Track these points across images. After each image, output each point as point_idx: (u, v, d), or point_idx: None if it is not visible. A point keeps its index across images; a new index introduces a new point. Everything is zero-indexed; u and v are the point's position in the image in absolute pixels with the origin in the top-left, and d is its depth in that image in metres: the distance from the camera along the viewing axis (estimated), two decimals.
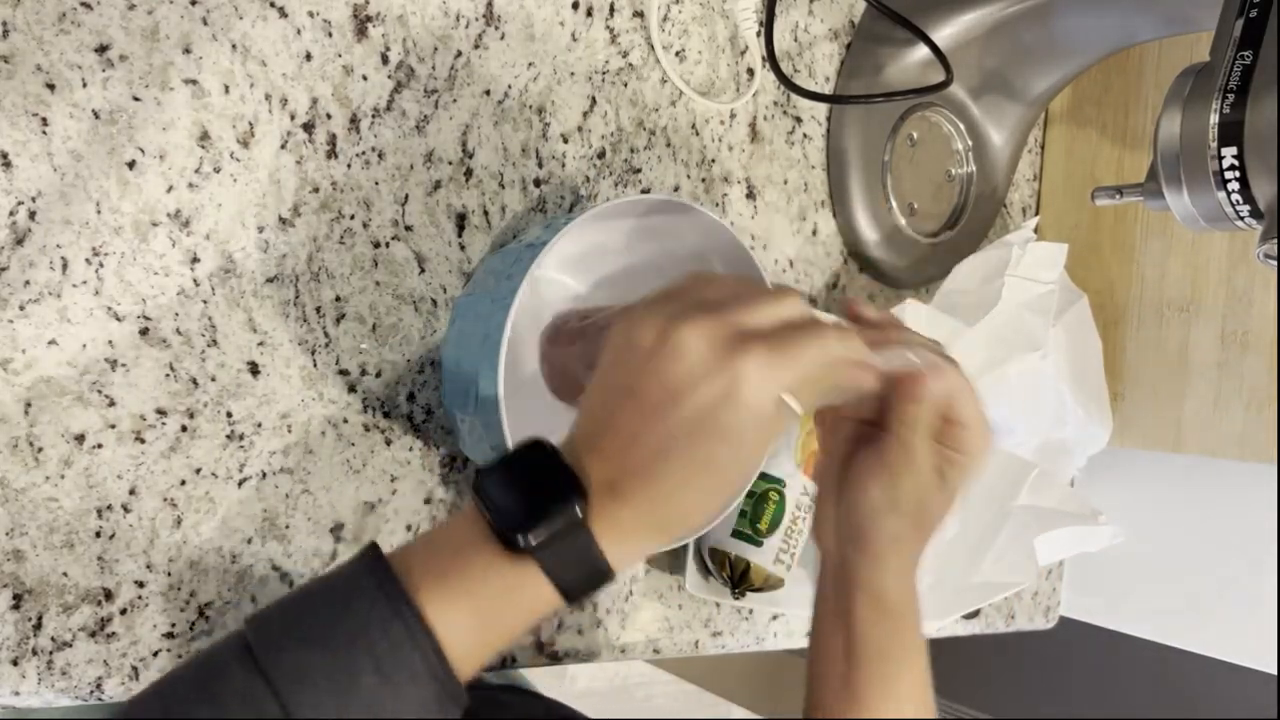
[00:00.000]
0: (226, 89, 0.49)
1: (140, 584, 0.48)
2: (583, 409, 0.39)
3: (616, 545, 0.37)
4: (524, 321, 0.57)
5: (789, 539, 0.66)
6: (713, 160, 0.68)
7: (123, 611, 0.47)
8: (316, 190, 0.52)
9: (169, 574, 0.48)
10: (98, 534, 0.46)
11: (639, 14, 0.63)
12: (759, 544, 0.65)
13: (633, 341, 0.38)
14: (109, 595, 0.47)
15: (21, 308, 0.44)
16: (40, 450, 0.45)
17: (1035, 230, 0.93)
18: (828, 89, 0.74)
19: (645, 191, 0.65)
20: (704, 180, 0.67)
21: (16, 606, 0.45)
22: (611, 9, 0.62)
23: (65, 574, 0.46)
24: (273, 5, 0.50)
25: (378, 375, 0.54)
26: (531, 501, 0.36)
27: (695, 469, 0.37)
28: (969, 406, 0.44)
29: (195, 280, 0.48)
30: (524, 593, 0.36)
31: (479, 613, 0.36)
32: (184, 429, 0.48)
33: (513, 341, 0.49)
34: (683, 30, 0.65)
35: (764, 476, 0.66)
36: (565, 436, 0.39)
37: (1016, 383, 0.77)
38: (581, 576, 0.37)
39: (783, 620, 0.75)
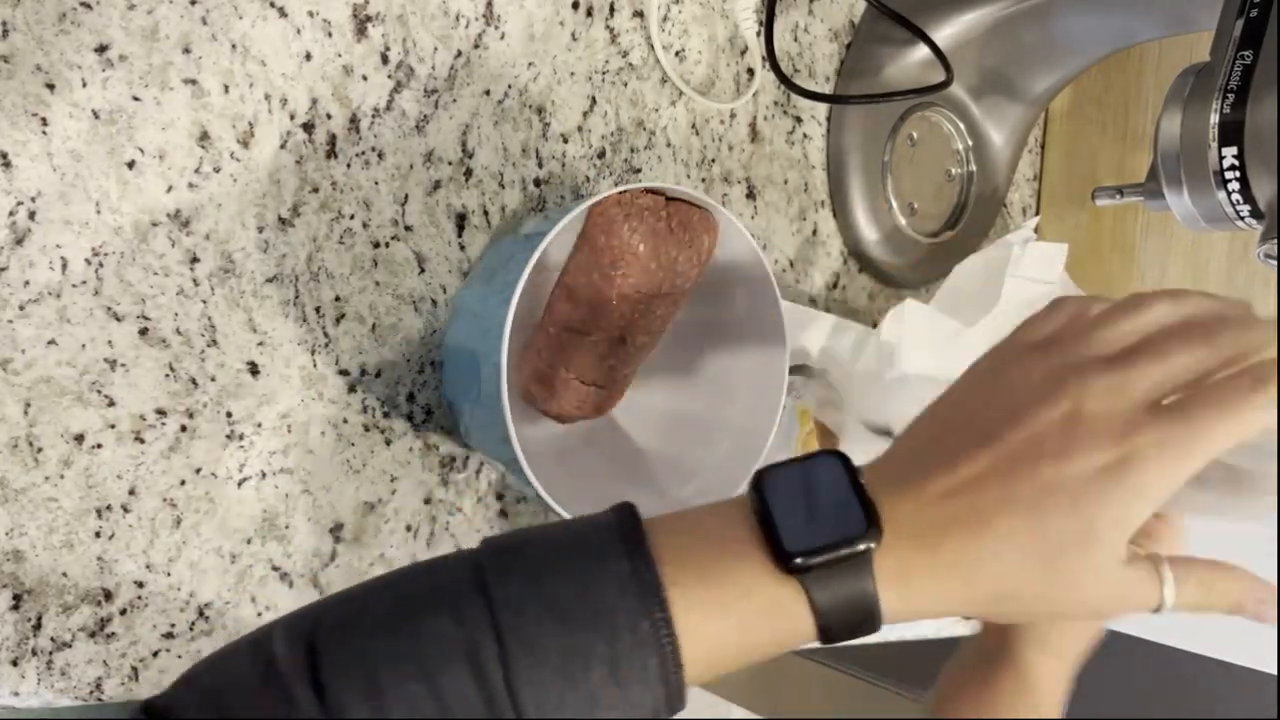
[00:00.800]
0: (226, 89, 0.49)
1: (140, 584, 0.48)
2: (908, 439, 0.35)
3: (898, 593, 0.32)
4: (525, 313, 0.57)
5: None
6: (713, 160, 0.68)
7: (122, 612, 0.47)
8: (316, 190, 0.52)
9: (169, 574, 0.48)
10: (97, 534, 0.46)
11: (639, 14, 0.63)
12: None
13: (1012, 385, 0.33)
14: (109, 595, 0.47)
15: (21, 308, 0.44)
16: (40, 450, 0.45)
17: (1035, 230, 0.93)
18: (828, 89, 0.74)
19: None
20: (704, 180, 0.67)
21: (16, 607, 0.45)
22: (611, 9, 0.62)
23: (65, 574, 0.46)
24: (272, 5, 0.50)
25: (378, 375, 0.54)
26: (820, 520, 0.32)
27: (1035, 541, 0.31)
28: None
29: (195, 280, 0.48)
30: (781, 617, 0.32)
31: (728, 627, 0.32)
32: (184, 429, 0.48)
33: (514, 333, 0.49)
34: (683, 30, 0.65)
35: None
36: (879, 459, 0.35)
37: None
38: (847, 616, 0.32)
39: None
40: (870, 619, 0.32)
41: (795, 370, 0.69)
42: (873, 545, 0.31)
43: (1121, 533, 0.31)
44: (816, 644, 0.33)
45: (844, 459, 0.34)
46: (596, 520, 0.34)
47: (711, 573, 0.32)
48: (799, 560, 0.31)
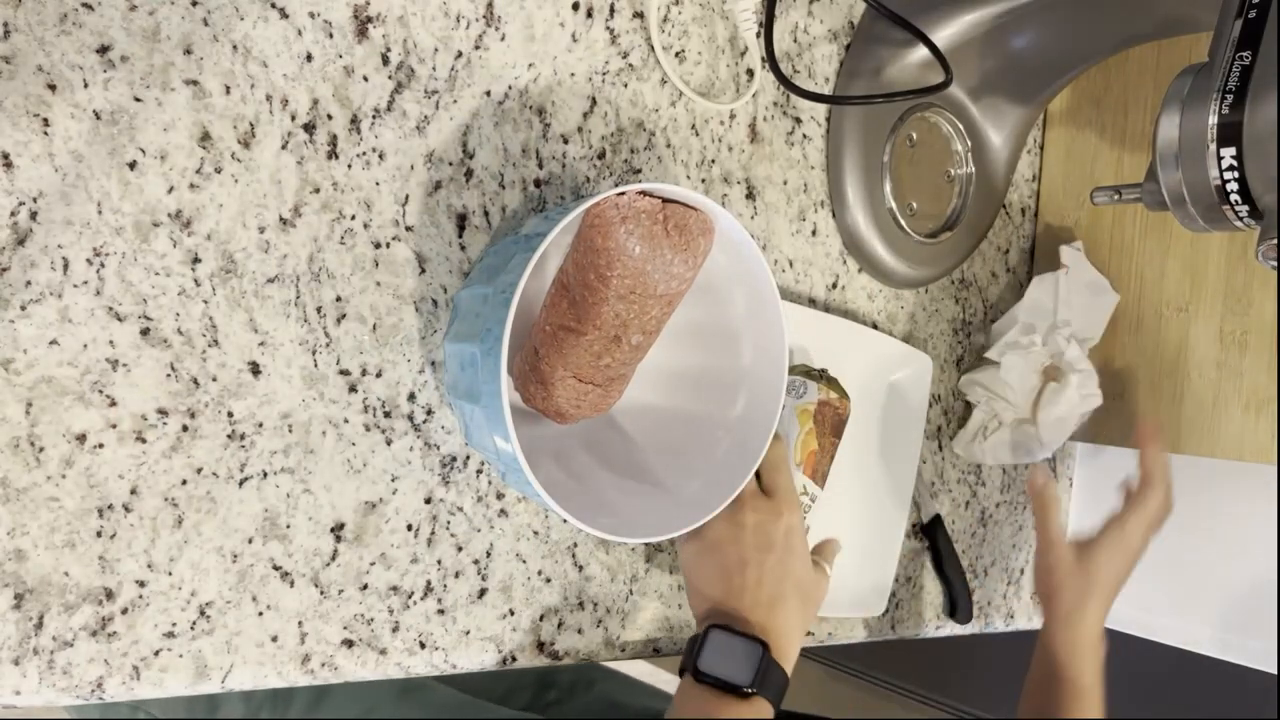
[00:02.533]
0: (227, 89, 0.49)
1: (141, 583, 0.48)
2: (712, 593, 0.59)
3: (785, 656, 0.58)
4: (525, 313, 0.57)
5: None
6: (713, 161, 0.68)
7: (124, 611, 0.47)
8: (317, 190, 0.52)
9: (170, 574, 0.49)
10: (99, 533, 0.47)
11: (639, 15, 0.63)
12: None
13: (717, 538, 0.60)
14: (110, 595, 0.47)
15: (23, 308, 0.44)
16: (41, 450, 0.45)
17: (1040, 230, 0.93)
18: (827, 90, 0.74)
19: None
20: (704, 181, 0.68)
21: (18, 606, 0.45)
22: (611, 10, 0.62)
23: (66, 573, 0.46)
24: (274, 6, 0.50)
25: (378, 375, 0.55)
26: (746, 665, 0.55)
27: (798, 579, 0.61)
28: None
29: (196, 280, 0.49)
30: (753, 713, 0.55)
31: None
32: (185, 429, 0.49)
33: (514, 333, 0.49)
34: (682, 31, 0.65)
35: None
36: (710, 617, 0.59)
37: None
38: (781, 688, 0.56)
39: None
40: (787, 679, 0.58)
41: (794, 370, 0.70)
42: (768, 652, 0.56)
43: (808, 554, 0.63)
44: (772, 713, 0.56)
45: (717, 626, 0.57)
46: None
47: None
48: (751, 689, 0.55)
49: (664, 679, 1.79)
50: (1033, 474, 0.80)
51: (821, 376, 0.70)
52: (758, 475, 0.63)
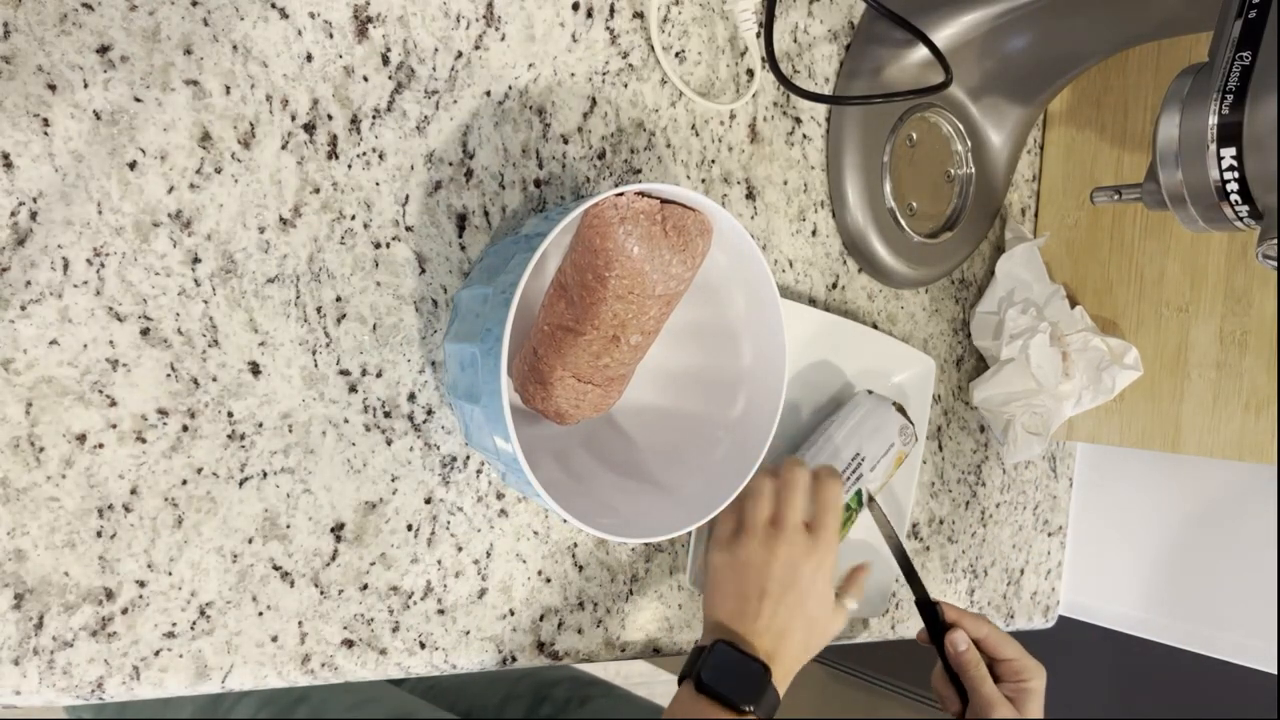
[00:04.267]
0: (227, 90, 0.49)
1: (141, 583, 0.48)
2: (724, 610, 0.61)
3: (782, 683, 0.60)
4: (525, 313, 0.57)
5: None
6: (713, 161, 0.68)
7: (124, 611, 0.47)
8: (317, 191, 0.52)
9: (170, 574, 0.49)
10: (99, 533, 0.47)
11: (639, 15, 0.63)
12: None
13: (749, 561, 0.61)
14: (110, 595, 0.47)
15: (23, 308, 0.44)
16: (41, 450, 0.45)
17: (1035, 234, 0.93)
18: (827, 90, 0.74)
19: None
20: (704, 181, 0.68)
21: (18, 606, 0.45)
22: (611, 10, 0.62)
23: (66, 573, 0.46)
24: (274, 6, 0.50)
25: (378, 375, 0.55)
26: (746, 684, 0.58)
27: (812, 617, 0.62)
28: (1002, 645, 0.72)
29: (196, 280, 0.49)
30: None
31: None
32: (185, 429, 0.49)
33: (514, 333, 0.49)
34: (682, 31, 0.65)
35: None
36: (716, 631, 0.61)
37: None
38: (773, 708, 0.58)
39: None
40: (779, 703, 0.59)
41: (901, 410, 0.74)
42: (769, 674, 0.59)
43: (830, 594, 0.63)
44: None
45: (723, 641, 0.59)
46: None
47: None
48: (750, 708, 0.57)
49: (659, 692, 1.79)
50: (951, 643, 0.71)
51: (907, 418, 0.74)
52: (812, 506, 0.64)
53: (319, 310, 0.52)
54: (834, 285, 0.77)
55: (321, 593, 0.53)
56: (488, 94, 0.57)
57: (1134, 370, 0.84)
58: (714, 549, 0.63)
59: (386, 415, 0.55)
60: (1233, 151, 0.53)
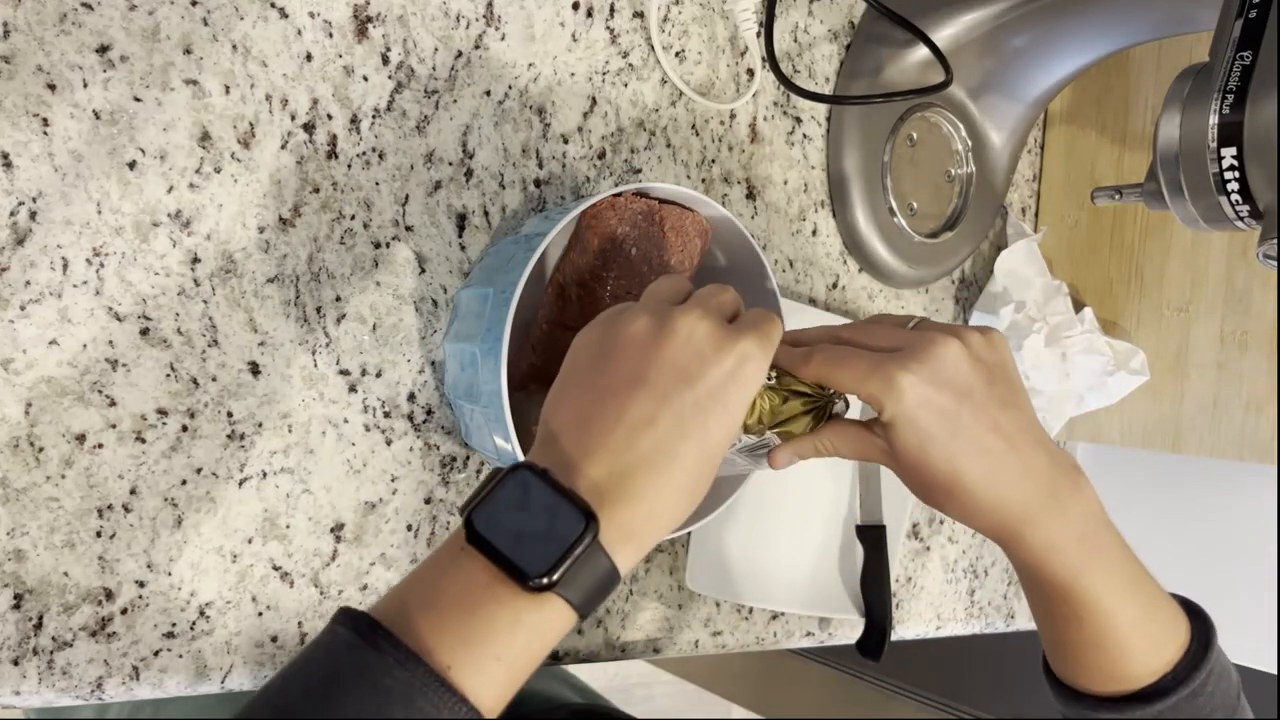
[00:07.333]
0: (227, 89, 0.49)
1: (141, 584, 0.48)
2: (565, 413, 0.39)
3: (623, 550, 0.37)
4: (525, 312, 0.57)
5: None
6: (713, 160, 0.68)
7: (123, 611, 0.47)
8: (317, 190, 0.52)
9: (169, 574, 0.49)
10: (98, 534, 0.47)
11: (639, 14, 0.63)
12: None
13: (627, 336, 0.40)
14: (110, 595, 0.47)
15: (22, 308, 0.44)
16: (41, 450, 0.45)
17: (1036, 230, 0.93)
18: (827, 89, 0.74)
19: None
20: (704, 180, 0.68)
21: (17, 606, 0.45)
22: (611, 10, 0.62)
23: (66, 574, 0.46)
24: (273, 6, 0.50)
25: (378, 375, 0.55)
26: (546, 537, 0.35)
27: (702, 449, 0.38)
28: (830, 375, 0.46)
29: (196, 280, 0.49)
30: (547, 627, 0.36)
31: (509, 662, 0.35)
32: (185, 429, 0.49)
33: (514, 333, 0.49)
34: (683, 31, 0.65)
35: None
36: (539, 450, 0.39)
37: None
38: (598, 593, 0.36)
39: (782, 620, 0.75)
40: (614, 582, 0.37)
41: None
42: (594, 528, 0.36)
43: (743, 412, 0.40)
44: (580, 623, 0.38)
45: (530, 466, 0.37)
46: (335, 644, 0.34)
47: (476, 632, 0.34)
48: (546, 580, 0.35)
49: (659, 692, 1.79)
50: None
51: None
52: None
53: (319, 310, 0.52)
54: (834, 285, 0.77)
55: (321, 593, 0.53)
56: (487, 94, 0.57)
57: (1140, 375, 0.84)
58: (584, 330, 0.43)
59: (386, 415, 0.55)
60: (1233, 151, 0.53)
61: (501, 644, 0.34)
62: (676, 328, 0.39)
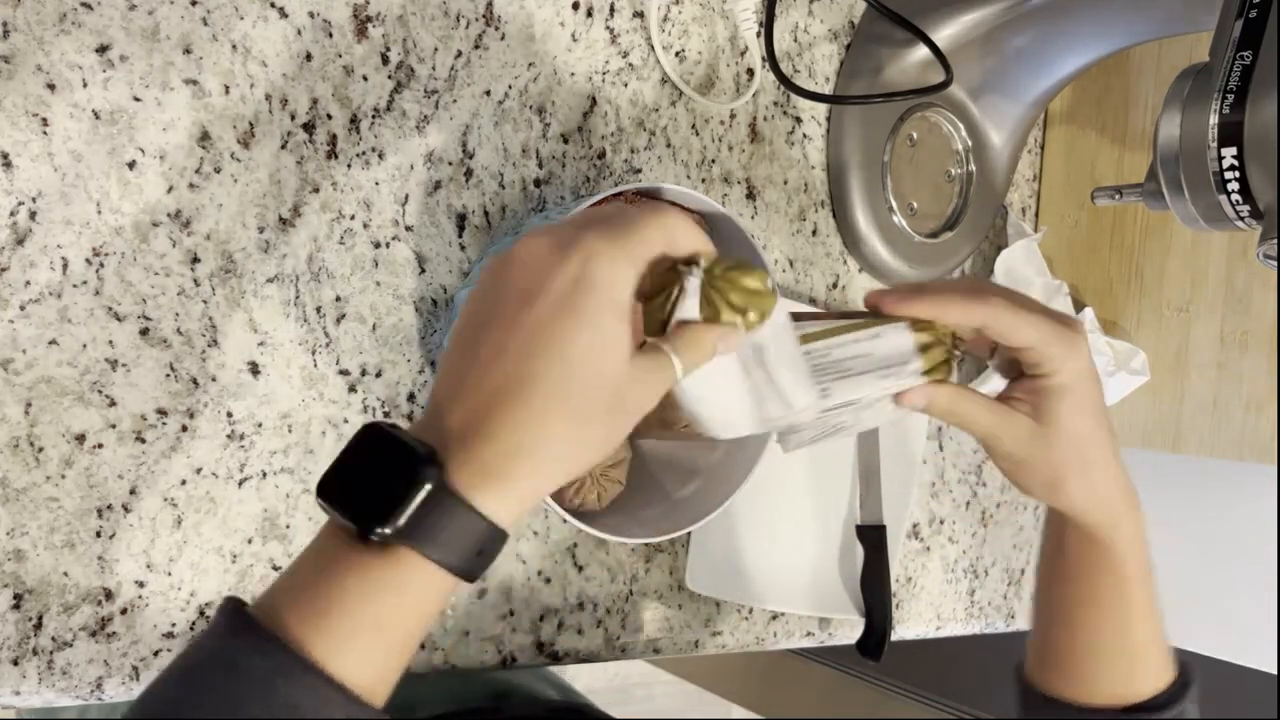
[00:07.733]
0: (227, 89, 0.49)
1: (140, 584, 0.48)
2: (440, 380, 0.37)
3: (496, 495, 0.34)
4: None
5: None
6: (713, 160, 0.68)
7: (123, 611, 0.47)
8: (317, 190, 0.52)
9: (169, 574, 0.49)
10: (98, 534, 0.47)
11: (639, 14, 0.63)
12: None
13: (483, 288, 0.37)
14: (109, 595, 0.47)
15: (22, 308, 0.44)
16: (41, 450, 0.45)
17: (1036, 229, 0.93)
18: (827, 89, 0.74)
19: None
20: (704, 180, 0.68)
21: (17, 606, 0.45)
22: (611, 9, 0.62)
23: (66, 574, 0.46)
24: (273, 6, 0.50)
25: (378, 375, 0.55)
26: (383, 487, 0.32)
27: (565, 364, 0.34)
28: (1011, 325, 0.45)
29: (196, 280, 0.49)
30: (411, 587, 0.33)
31: (375, 631, 0.33)
32: (184, 429, 0.49)
33: None
34: (683, 30, 0.65)
35: None
36: (419, 422, 0.37)
37: None
38: (469, 547, 0.33)
39: (782, 620, 0.75)
40: (490, 536, 0.34)
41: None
42: (431, 470, 0.33)
43: (620, 323, 0.35)
44: (467, 587, 0.34)
45: (376, 424, 0.35)
46: (212, 646, 0.33)
47: (329, 600, 0.32)
48: (389, 529, 0.32)
49: (659, 692, 1.79)
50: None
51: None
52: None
53: (318, 310, 0.52)
54: (834, 285, 0.77)
55: None
56: (487, 93, 0.57)
57: (1141, 375, 0.84)
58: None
59: (386, 415, 0.55)
60: (1233, 151, 0.53)
61: (358, 610, 0.32)
62: (515, 253, 0.36)
